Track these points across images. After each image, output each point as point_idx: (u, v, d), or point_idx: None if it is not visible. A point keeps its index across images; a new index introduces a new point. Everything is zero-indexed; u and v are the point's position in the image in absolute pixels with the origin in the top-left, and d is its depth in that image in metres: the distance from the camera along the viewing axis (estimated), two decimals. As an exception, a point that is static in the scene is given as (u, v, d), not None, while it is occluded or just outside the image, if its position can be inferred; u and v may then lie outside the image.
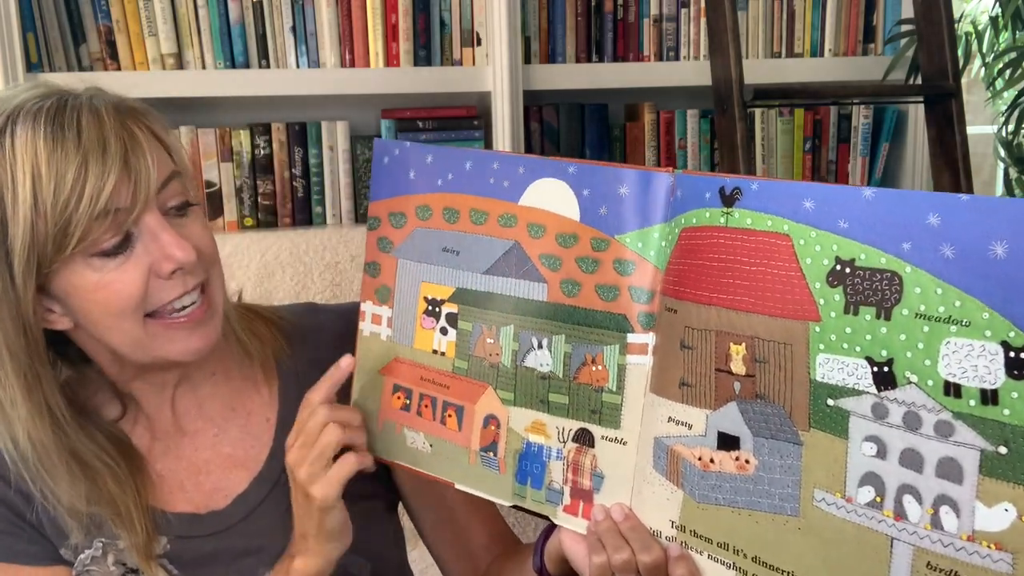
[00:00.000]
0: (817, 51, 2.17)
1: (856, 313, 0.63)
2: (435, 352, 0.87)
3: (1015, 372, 0.57)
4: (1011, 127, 2.21)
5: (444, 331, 0.86)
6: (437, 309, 0.87)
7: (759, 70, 2.05)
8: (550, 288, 0.80)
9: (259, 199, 1.91)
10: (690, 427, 0.73)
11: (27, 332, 0.81)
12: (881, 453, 0.63)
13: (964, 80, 2.01)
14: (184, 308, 0.85)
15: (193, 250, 0.83)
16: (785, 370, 0.67)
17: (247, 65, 1.84)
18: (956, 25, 2.00)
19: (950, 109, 1.89)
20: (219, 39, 1.81)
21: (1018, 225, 0.56)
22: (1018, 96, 2.15)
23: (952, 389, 0.59)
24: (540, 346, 0.81)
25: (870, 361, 0.63)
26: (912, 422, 0.61)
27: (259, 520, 0.95)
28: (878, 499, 0.63)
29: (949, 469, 0.60)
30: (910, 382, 0.61)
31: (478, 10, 1.94)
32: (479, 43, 1.95)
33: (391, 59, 1.91)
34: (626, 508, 0.77)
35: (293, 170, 1.91)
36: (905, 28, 2.09)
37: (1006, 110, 2.22)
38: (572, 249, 0.79)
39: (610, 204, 0.77)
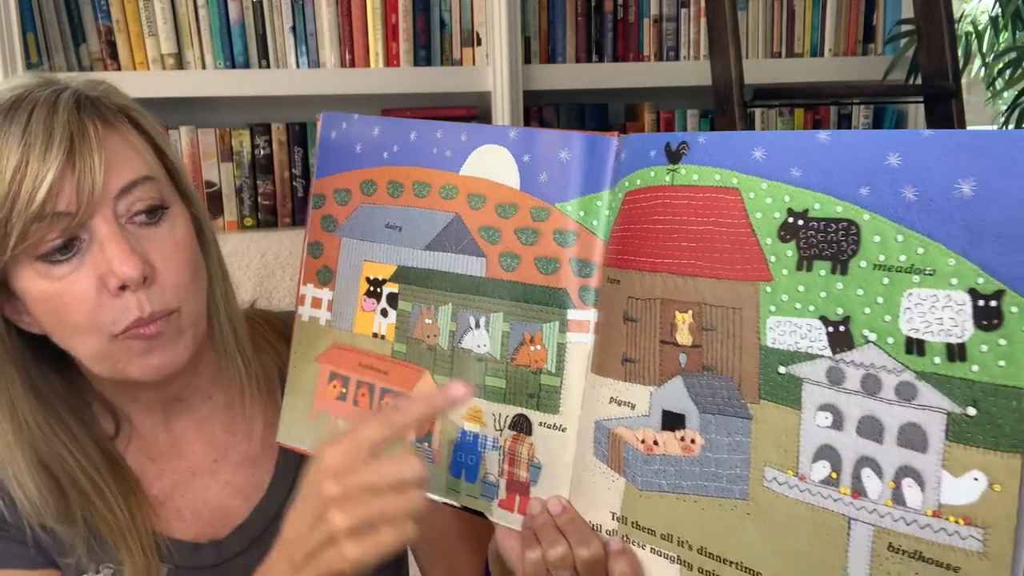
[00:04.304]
0: (817, 51, 2.17)
1: (810, 269, 0.58)
2: (375, 335, 0.81)
3: (984, 322, 0.51)
4: (1011, 127, 2.20)
5: (384, 312, 0.80)
6: (378, 289, 0.81)
7: (759, 70, 2.05)
8: (489, 262, 0.74)
9: (259, 199, 1.92)
10: (633, 407, 0.67)
11: None
12: (837, 423, 0.57)
13: (964, 80, 2.00)
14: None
15: (139, 265, 0.74)
16: (734, 337, 0.61)
17: (247, 65, 1.85)
18: (956, 25, 2.00)
19: (950, 109, 1.88)
20: (219, 39, 1.83)
21: (987, 159, 0.51)
22: (1018, 96, 2.14)
23: (915, 346, 0.54)
24: (477, 326, 0.75)
25: (824, 321, 0.57)
26: (871, 386, 0.55)
27: (259, 552, 0.86)
28: (834, 475, 0.57)
29: (912, 437, 0.54)
30: (868, 341, 0.55)
31: (478, 10, 1.94)
32: (479, 43, 1.95)
33: (391, 59, 1.92)
34: (564, 500, 0.71)
35: (293, 170, 1.92)
36: (905, 28, 2.09)
37: (1006, 110, 2.21)
38: (511, 220, 0.74)
39: (551, 170, 0.72)
